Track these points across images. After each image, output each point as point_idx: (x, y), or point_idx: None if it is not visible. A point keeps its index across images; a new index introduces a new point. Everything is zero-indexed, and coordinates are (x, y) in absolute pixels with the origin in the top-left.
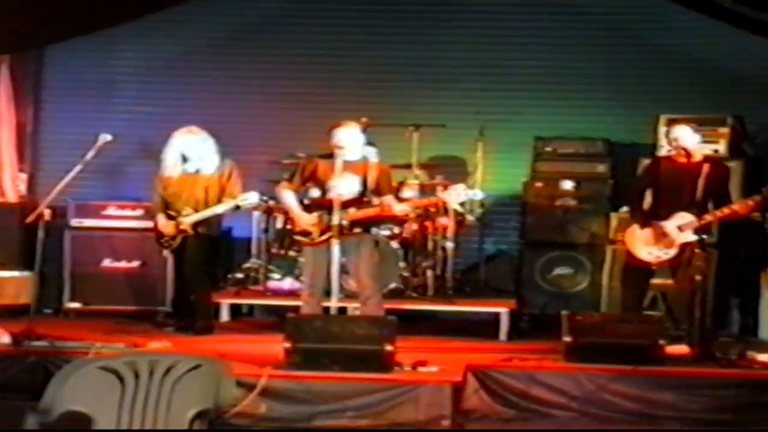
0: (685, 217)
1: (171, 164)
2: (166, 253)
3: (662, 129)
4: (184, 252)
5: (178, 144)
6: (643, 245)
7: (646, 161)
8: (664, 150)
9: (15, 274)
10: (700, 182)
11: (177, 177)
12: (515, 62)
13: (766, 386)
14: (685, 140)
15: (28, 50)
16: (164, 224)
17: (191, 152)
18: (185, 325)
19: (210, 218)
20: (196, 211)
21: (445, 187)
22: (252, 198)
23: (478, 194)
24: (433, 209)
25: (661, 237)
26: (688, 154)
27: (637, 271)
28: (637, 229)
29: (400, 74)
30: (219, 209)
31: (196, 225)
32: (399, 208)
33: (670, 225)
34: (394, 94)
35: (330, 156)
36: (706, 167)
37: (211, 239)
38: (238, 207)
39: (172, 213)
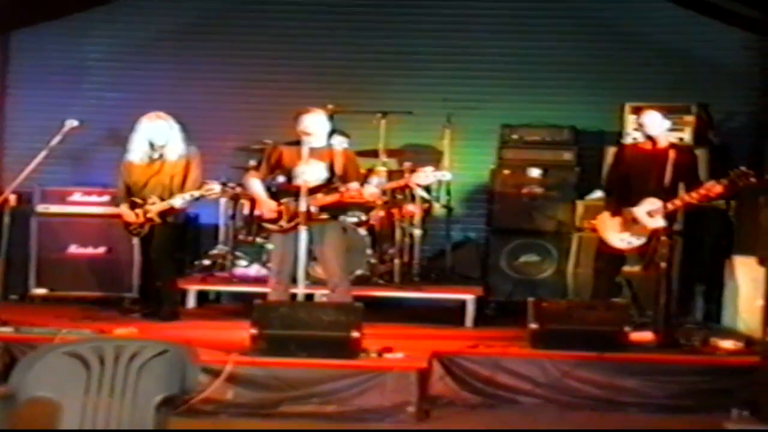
0: (654, 203)
1: (137, 150)
2: (135, 240)
3: (629, 117)
4: (151, 239)
5: (144, 130)
6: (616, 232)
7: (614, 149)
8: (630, 138)
9: None
10: (668, 168)
11: (141, 164)
12: (482, 50)
13: (729, 372)
14: (654, 127)
15: None
16: (128, 213)
17: (158, 138)
18: (151, 312)
19: (174, 206)
20: (162, 199)
21: (413, 172)
22: (215, 188)
23: (446, 175)
24: (400, 196)
25: (633, 223)
26: (655, 141)
27: (609, 259)
28: (608, 217)
29: (368, 61)
30: (178, 202)
31: (162, 213)
32: (369, 192)
33: (640, 211)
34: (361, 81)
35: (295, 143)
36: (672, 153)
37: (177, 226)
38: (200, 197)
39: (137, 200)
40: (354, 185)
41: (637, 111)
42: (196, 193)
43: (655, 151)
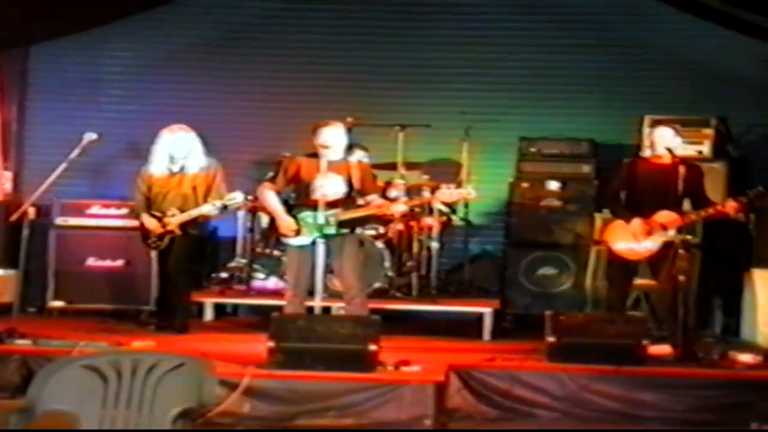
0: (669, 216)
1: (158, 162)
2: (153, 253)
3: (646, 130)
4: (168, 251)
5: (166, 142)
6: (621, 239)
7: (624, 162)
8: (647, 151)
9: None
10: (680, 183)
11: (161, 176)
12: (501, 62)
13: (748, 386)
14: (667, 142)
15: (13, 48)
16: (150, 221)
17: (179, 151)
18: (165, 325)
19: (197, 218)
20: (182, 210)
21: (434, 188)
22: (238, 198)
23: (471, 193)
24: (418, 209)
25: (643, 232)
26: (667, 156)
27: (621, 268)
28: (618, 225)
29: (386, 74)
30: (205, 210)
31: (183, 225)
32: (397, 209)
33: (655, 222)
34: (379, 94)
35: (313, 155)
36: (682, 169)
37: (196, 239)
38: (225, 207)
39: (156, 213)
40: (374, 197)
41: (655, 124)
42: (218, 203)
43: (668, 165)
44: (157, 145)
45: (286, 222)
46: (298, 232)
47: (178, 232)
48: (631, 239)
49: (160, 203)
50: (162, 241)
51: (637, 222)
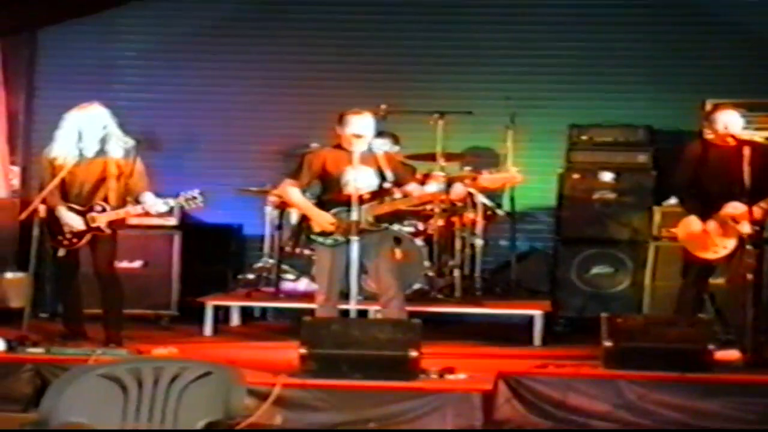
0: (738, 208)
1: (65, 146)
2: (62, 252)
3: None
4: (76, 253)
5: (76, 121)
6: (705, 241)
7: (689, 145)
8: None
9: (8, 275)
10: (746, 169)
11: (75, 162)
12: (549, 43)
13: None
14: (732, 126)
15: (19, 33)
16: (71, 218)
17: (92, 132)
18: (77, 335)
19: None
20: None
21: (475, 179)
22: (198, 199)
23: (517, 175)
24: (460, 203)
25: (721, 230)
26: (731, 139)
27: (700, 272)
28: (694, 223)
29: (421, 57)
30: (154, 208)
31: (111, 223)
32: (457, 190)
33: (727, 216)
34: (414, 79)
35: (338, 147)
36: (747, 151)
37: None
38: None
39: (76, 207)
40: (413, 186)
41: (717, 108)
42: (173, 202)
43: (733, 149)
44: (66, 125)
45: (323, 217)
46: (337, 228)
47: (106, 231)
48: (713, 245)
49: (76, 194)
50: (81, 239)
51: (713, 225)
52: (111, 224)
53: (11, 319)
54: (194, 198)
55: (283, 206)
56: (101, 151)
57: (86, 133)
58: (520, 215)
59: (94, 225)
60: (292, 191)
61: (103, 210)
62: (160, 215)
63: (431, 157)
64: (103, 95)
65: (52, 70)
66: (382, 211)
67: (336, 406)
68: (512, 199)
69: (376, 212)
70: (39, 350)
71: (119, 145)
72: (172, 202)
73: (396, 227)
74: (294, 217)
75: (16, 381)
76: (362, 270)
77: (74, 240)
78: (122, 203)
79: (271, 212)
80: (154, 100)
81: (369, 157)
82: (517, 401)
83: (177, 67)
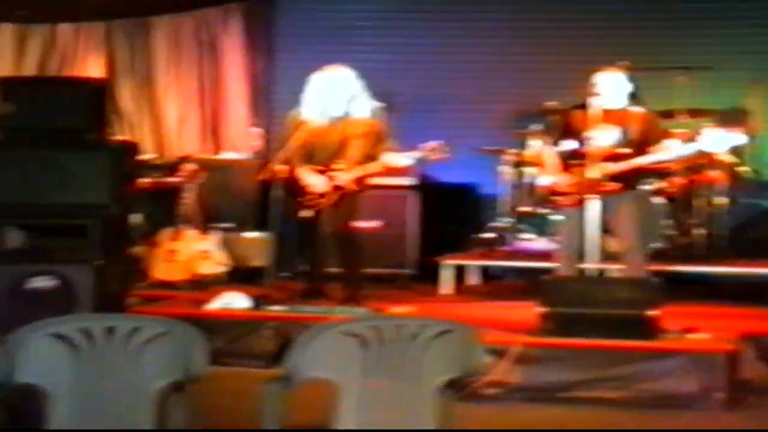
0: None
1: (312, 107)
2: (304, 213)
3: None
4: (320, 213)
5: (323, 83)
6: None
7: None
8: None
9: (250, 235)
10: None
11: (321, 124)
12: None
13: None
14: None
15: None
16: (315, 179)
17: (339, 93)
18: (318, 293)
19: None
20: (348, 164)
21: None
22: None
23: (740, 139)
24: (701, 161)
25: None
26: None
27: None
28: None
29: (661, 12)
30: (373, 167)
31: (353, 181)
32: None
33: None
34: (654, 34)
35: (581, 106)
36: None
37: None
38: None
39: (318, 167)
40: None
41: None
42: (418, 154)
43: None
44: (313, 88)
45: (560, 179)
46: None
47: (351, 188)
48: None
49: (320, 155)
50: (324, 199)
51: None
52: (353, 183)
53: (252, 278)
54: (440, 147)
55: (519, 164)
56: (347, 113)
57: (333, 95)
58: (766, 172)
59: (336, 184)
60: (542, 147)
61: (345, 169)
62: (400, 173)
63: (668, 115)
64: (340, 57)
65: (290, 32)
66: (618, 171)
67: (574, 365)
68: (759, 155)
69: (613, 171)
70: (281, 308)
71: (365, 106)
72: (417, 154)
73: (637, 186)
74: (529, 176)
75: (258, 338)
76: (603, 229)
77: (318, 200)
78: (365, 163)
79: (507, 171)
80: (391, 61)
81: (619, 115)
82: (763, 363)
83: (415, 27)
